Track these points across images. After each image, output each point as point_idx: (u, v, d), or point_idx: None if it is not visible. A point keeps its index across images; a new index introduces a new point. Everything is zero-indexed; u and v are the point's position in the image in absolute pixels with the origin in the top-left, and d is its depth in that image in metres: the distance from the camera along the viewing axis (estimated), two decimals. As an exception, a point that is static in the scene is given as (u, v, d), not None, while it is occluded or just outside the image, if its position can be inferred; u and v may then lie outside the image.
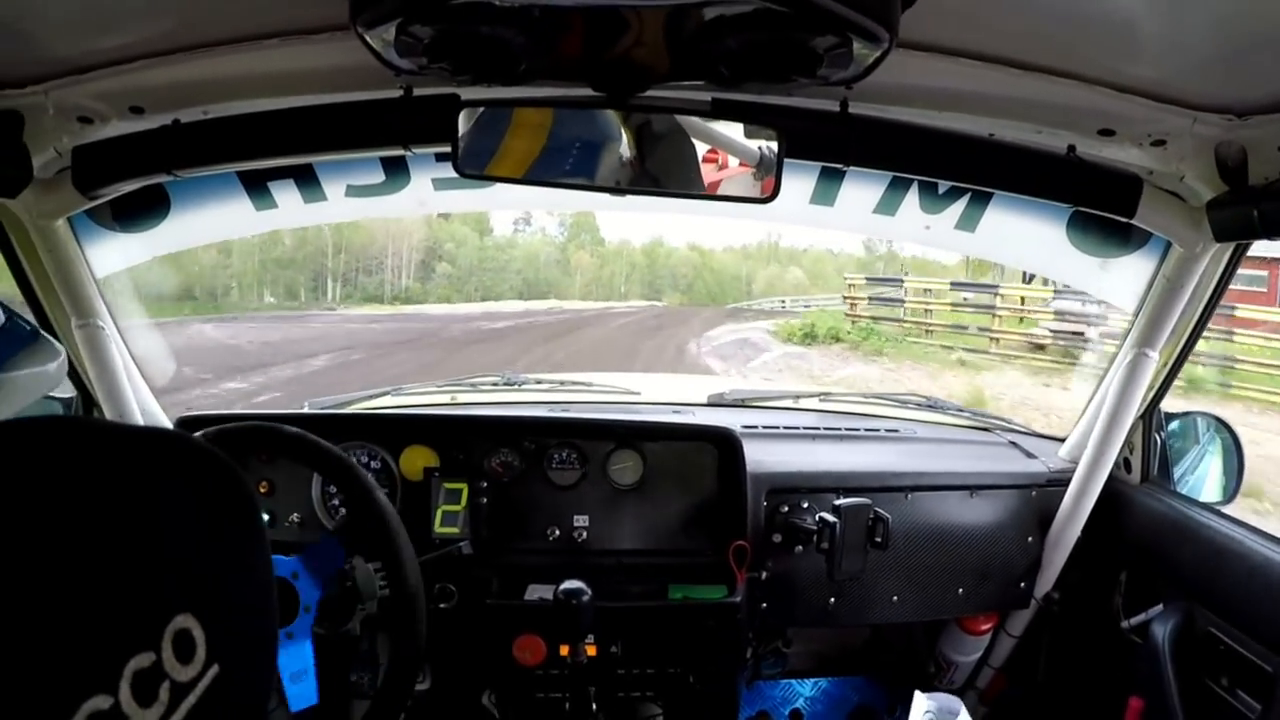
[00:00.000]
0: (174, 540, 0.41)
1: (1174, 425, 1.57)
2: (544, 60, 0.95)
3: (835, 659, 2.02)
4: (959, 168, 1.22)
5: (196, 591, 0.42)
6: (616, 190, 1.20)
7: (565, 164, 1.16)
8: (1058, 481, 1.62)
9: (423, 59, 0.89)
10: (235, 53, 1.02)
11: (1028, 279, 13.91)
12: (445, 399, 1.82)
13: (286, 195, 1.51)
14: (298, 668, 1.06)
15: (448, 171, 1.31)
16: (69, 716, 0.35)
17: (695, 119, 1.14)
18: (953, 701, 1.50)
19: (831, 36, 0.81)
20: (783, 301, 27.21)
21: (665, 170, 1.20)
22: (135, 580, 0.39)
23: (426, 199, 1.58)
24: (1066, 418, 2.86)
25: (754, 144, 1.20)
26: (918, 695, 1.50)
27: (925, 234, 1.55)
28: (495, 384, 1.88)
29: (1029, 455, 1.72)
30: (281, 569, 1.07)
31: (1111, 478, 1.56)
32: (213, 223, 1.54)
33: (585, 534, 1.49)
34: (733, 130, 1.19)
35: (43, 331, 0.59)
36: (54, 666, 0.35)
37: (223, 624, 0.43)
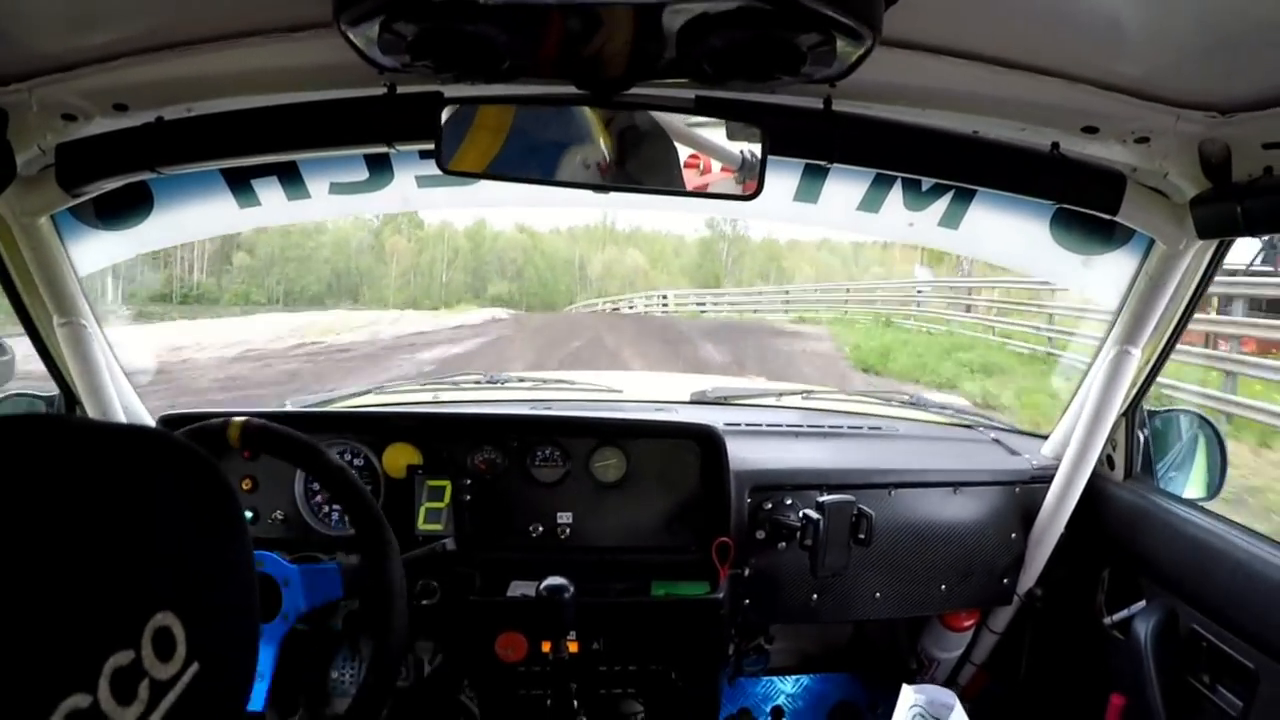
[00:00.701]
0: (155, 538, 0.41)
1: (1157, 422, 1.58)
2: (527, 58, 0.95)
3: (818, 656, 2.02)
4: (942, 165, 1.23)
5: (177, 589, 0.42)
6: (600, 187, 1.20)
7: (548, 161, 1.16)
8: (1041, 478, 1.62)
9: (406, 56, 0.89)
10: (219, 50, 1.02)
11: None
12: (428, 397, 1.82)
13: (270, 192, 1.52)
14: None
15: (432, 169, 1.32)
16: (48, 715, 0.35)
17: (678, 120, 1.15)
18: (944, 694, 1.48)
19: (815, 34, 0.81)
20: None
21: (646, 167, 1.20)
22: (115, 578, 0.39)
23: (411, 196, 1.58)
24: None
25: (736, 147, 1.19)
26: (905, 689, 1.49)
27: (909, 231, 1.56)
28: (478, 382, 1.88)
29: (1012, 452, 1.72)
30: (274, 571, 1.07)
31: (1094, 475, 1.56)
32: (197, 220, 1.54)
33: (568, 531, 1.50)
34: (715, 133, 1.19)
35: None
36: (33, 665, 0.35)
37: (203, 622, 0.43)
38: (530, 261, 38.38)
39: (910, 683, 1.56)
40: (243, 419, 1.05)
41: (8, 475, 0.37)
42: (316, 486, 1.48)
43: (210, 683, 0.43)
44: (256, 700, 1.05)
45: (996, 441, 1.78)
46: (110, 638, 0.38)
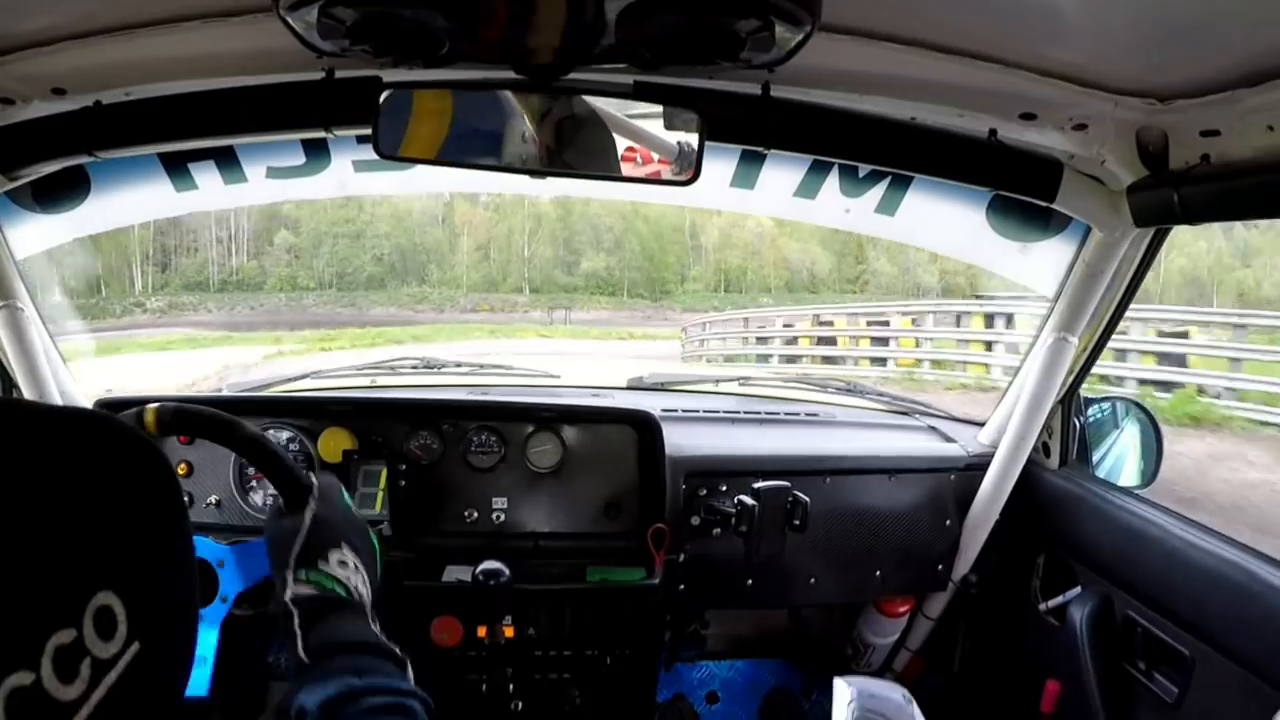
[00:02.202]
0: (95, 518, 0.41)
1: (1093, 410, 1.58)
2: (466, 42, 0.94)
3: (754, 641, 2.03)
4: (879, 151, 1.23)
5: (118, 569, 0.42)
6: (535, 172, 1.20)
7: (484, 146, 1.16)
8: (976, 466, 1.63)
9: (345, 41, 0.88)
10: (158, 34, 1.01)
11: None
12: (365, 381, 1.81)
13: (207, 177, 1.50)
14: (198, 654, 1.06)
15: (369, 154, 1.31)
16: None
17: (616, 106, 1.14)
18: (891, 689, 1.39)
19: (754, 19, 0.81)
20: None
21: (584, 153, 1.19)
22: (57, 557, 0.38)
23: (347, 181, 1.57)
24: None
25: (673, 138, 1.19)
26: (838, 682, 1.39)
27: (845, 217, 1.55)
28: (415, 367, 1.87)
29: (948, 439, 1.73)
30: (208, 554, 1.07)
31: (1030, 462, 1.57)
32: (133, 204, 1.53)
33: (503, 516, 1.50)
34: (653, 125, 1.19)
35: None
36: None
37: (144, 602, 0.43)
38: (631, 229, 31.98)
39: (845, 669, 1.56)
40: (157, 404, 1.05)
41: None
42: (251, 471, 1.48)
43: (151, 662, 0.43)
44: (200, 685, 1.03)
45: (933, 429, 1.79)
46: (52, 616, 0.38)
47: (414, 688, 0.76)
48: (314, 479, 0.89)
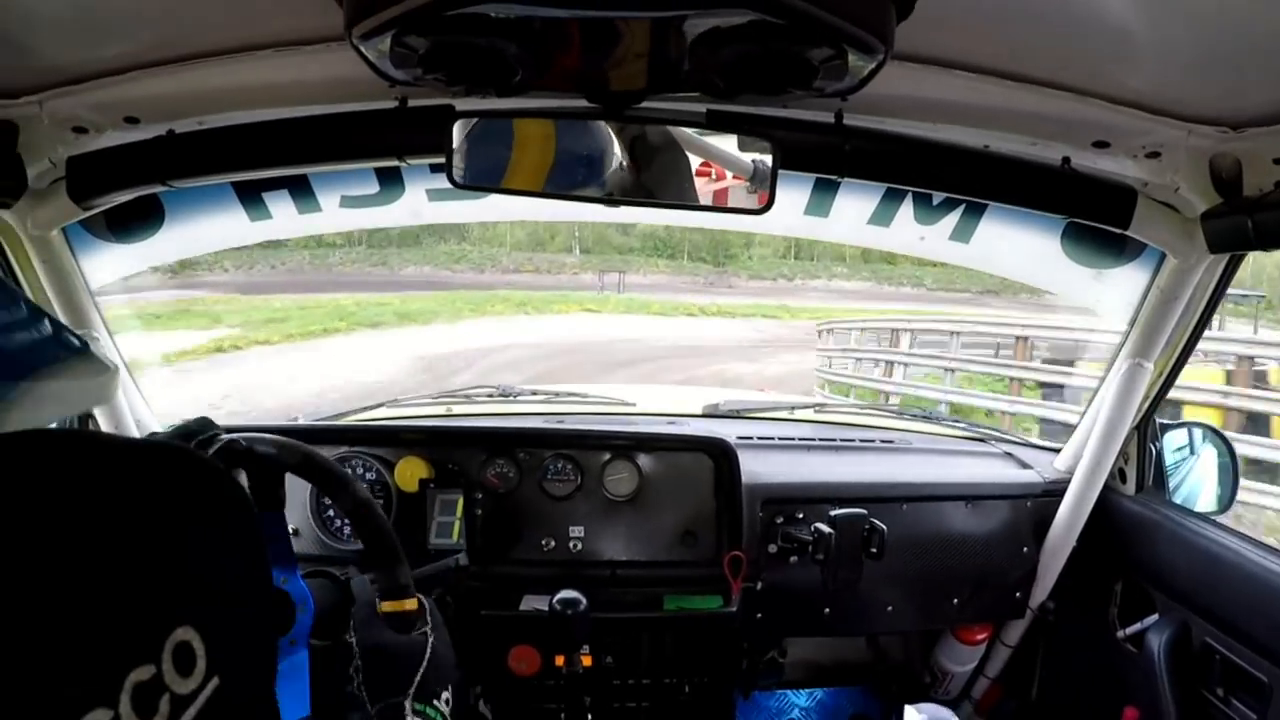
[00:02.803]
0: (174, 553, 0.42)
1: (1169, 435, 1.57)
2: (539, 71, 0.95)
3: (831, 669, 2.01)
4: (953, 179, 1.23)
5: (196, 604, 0.42)
6: (610, 201, 1.20)
7: (561, 175, 1.16)
8: (1053, 492, 1.62)
9: (418, 70, 0.89)
10: (230, 63, 1.02)
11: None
12: (440, 410, 1.81)
13: (281, 206, 1.52)
14: (291, 676, 1.05)
15: (443, 182, 1.32)
16: None
17: (690, 134, 1.14)
18: (943, 712, 1.45)
19: (827, 48, 0.81)
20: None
21: (659, 180, 1.20)
22: (136, 593, 0.39)
23: (421, 209, 1.58)
24: None
25: (748, 156, 1.19)
26: (908, 710, 1.47)
27: (920, 245, 1.55)
28: (490, 395, 1.88)
29: (1024, 465, 1.72)
30: (287, 584, 1.07)
31: (1107, 488, 1.56)
32: (207, 233, 1.54)
33: (580, 545, 1.50)
34: (727, 143, 1.19)
35: (95, 348, 0.59)
36: (56, 679, 0.35)
37: (222, 636, 0.43)
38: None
39: (924, 696, 1.55)
40: (278, 442, 1.05)
41: (28, 489, 0.38)
42: (327, 501, 1.47)
43: (230, 697, 0.44)
44: (301, 708, 1.02)
45: (1009, 455, 1.78)
46: (132, 653, 0.38)
47: None
48: (423, 600, 0.95)
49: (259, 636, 0.49)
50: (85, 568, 0.37)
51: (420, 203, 1.56)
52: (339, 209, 1.55)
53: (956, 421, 1.97)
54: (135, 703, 0.37)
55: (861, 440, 1.82)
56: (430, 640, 0.93)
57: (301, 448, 1.05)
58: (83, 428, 1.47)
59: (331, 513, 1.48)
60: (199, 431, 0.91)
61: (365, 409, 1.77)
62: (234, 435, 1.05)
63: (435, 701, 0.88)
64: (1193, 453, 1.58)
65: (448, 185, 1.12)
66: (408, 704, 0.88)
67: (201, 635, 0.42)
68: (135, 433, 1.49)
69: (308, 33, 0.98)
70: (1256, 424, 6.23)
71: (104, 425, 1.46)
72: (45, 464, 0.39)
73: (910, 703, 1.46)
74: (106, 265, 1.49)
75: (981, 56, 0.98)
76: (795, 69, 0.86)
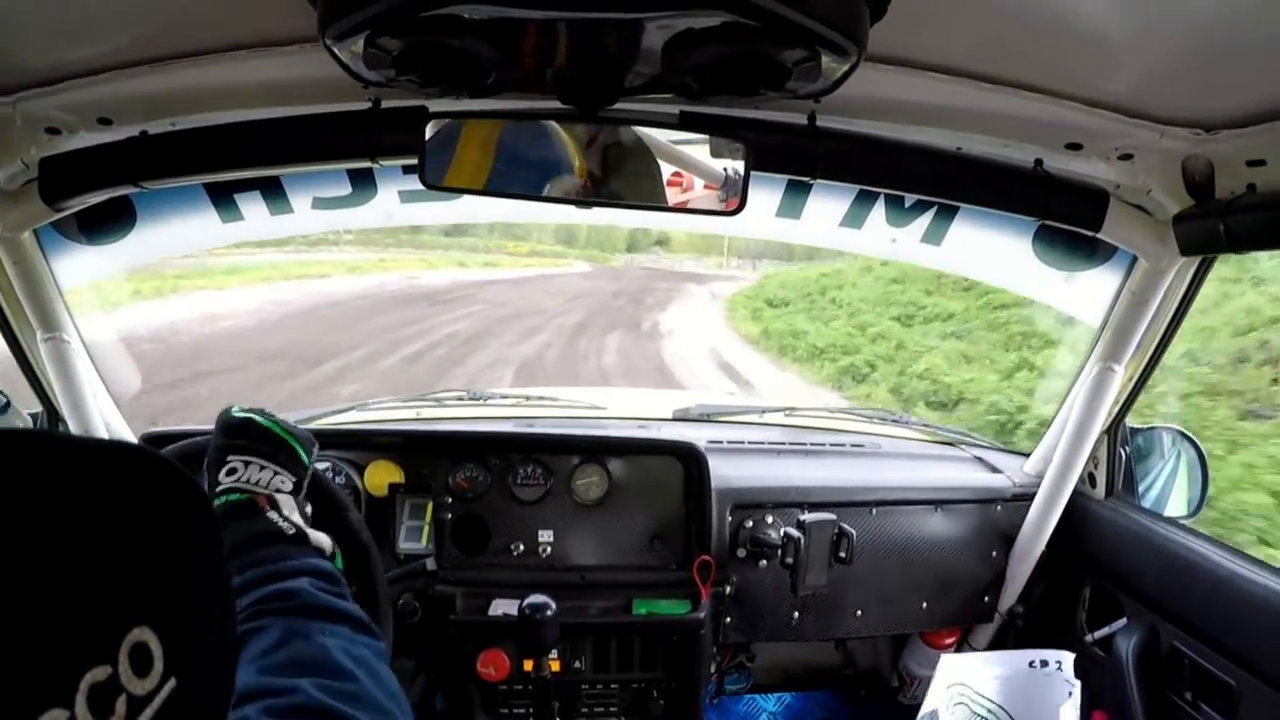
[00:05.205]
0: (130, 553, 0.41)
1: (1139, 440, 1.57)
2: (513, 73, 0.95)
3: (800, 674, 2.02)
4: (926, 181, 1.23)
5: (154, 605, 0.41)
6: (581, 203, 1.20)
7: (531, 177, 1.16)
8: (1022, 496, 1.62)
9: (391, 71, 0.89)
10: (204, 64, 1.02)
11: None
12: (410, 414, 1.81)
13: (253, 207, 1.51)
14: None
15: (415, 184, 1.31)
16: None
17: (662, 136, 1.14)
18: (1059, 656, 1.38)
19: (800, 50, 0.81)
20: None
21: (630, 182, 1.19)
22: (92, 593, 0.38)
23: (393, 211, 1.57)
24: None
25: (720, 162, 1.19)
26: (944, 659, 1.43)
27: (891, 247, 1.55)
28: (460, 399, 1.88)
29: (994, 470, 1.72)
30: None
31: (1076, 492, 1.56)
32: (179, 235, 1.53)
33: (549, 549, 1.49)
34: (699, 149, 1.18)
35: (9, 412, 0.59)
36: (10, 680, 0.34)
37: (180, 637, 0.42)
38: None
39: (892, 700, 1.54)
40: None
41: None
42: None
43: (188, 698, 0.43)
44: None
45: (978, 459, 1.78)
46: (87, 653, 0.37)
47: (308, 564, 0.80)
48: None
49: (219, 639, 0.49)
50: (39, 567, 0.36)
51: (392, 204, 1.56)
52: (311, 210, 1.54)
53: (926, 425, 1.97)
54: (91, 703, 0.37)
55: (831, 444, 1.82)
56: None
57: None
58: (49, 429, 1.47)
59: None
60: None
61: (335, 412, 1.76)
62: (197, 440, 1.06)
63: (217, 489, 0.88)
64: (1162, 457, 1.58)
65: (420, 187, 1.12)
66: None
67: (159, 636, 0.41)
68: (103, 435, 1.49)
69: (281, 34, 0.98)
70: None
71: (72, 426, 1.46)
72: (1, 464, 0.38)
73: (877, 707, 1.46)
74: (77, 266, 1.49)
75: (955, 58, 0.98)
76: (768, 71, 0.86)
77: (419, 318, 12.84)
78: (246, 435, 0.92)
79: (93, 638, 0.38)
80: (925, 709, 1.43)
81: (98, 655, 0.38)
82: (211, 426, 0.94)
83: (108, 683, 0.38)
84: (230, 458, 0.89)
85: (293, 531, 0.85)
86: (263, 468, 0.90)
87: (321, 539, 0.88)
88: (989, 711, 1.38)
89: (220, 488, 0.88)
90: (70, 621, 0.37)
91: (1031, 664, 1.38)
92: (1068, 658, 1.36)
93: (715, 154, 1.17)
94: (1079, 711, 1.33)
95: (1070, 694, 1.33)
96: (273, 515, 0.86)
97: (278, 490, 0.89)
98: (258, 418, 0.94)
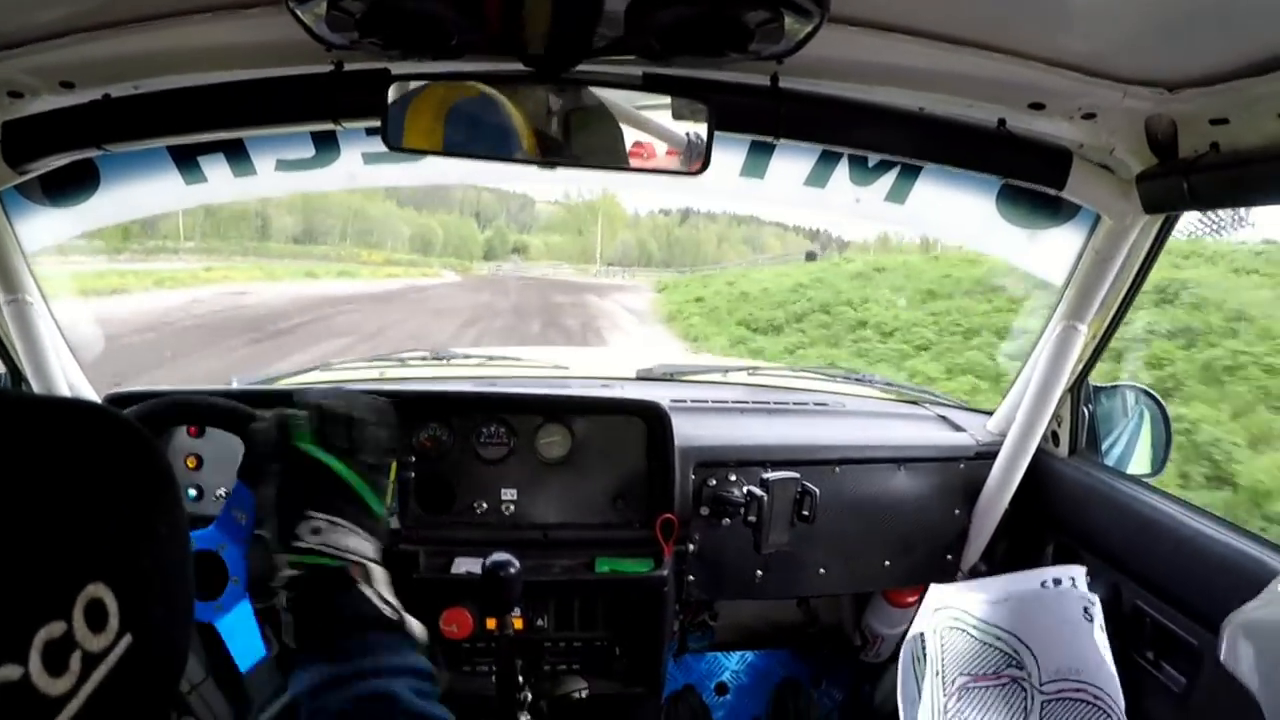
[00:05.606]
0: (85, 510, 0.41)
1: (1102, 398, 1.57)
2: (475, 35, 0.95)
3: (763, 632, 2.03)
4: (889, 141, 1.24)
5: (109, 561, 0.42)
6: (543, 163, 1.20)
7: (493, 138, 1.15)
8: (985, 454, 1.62)
9: (354, 34, 0.89)
10: (167, 27, 1.01)
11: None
12: (374, 374, 1.81)
13: (216, 169, 1.50)
14: (239, 629, 1.04)
15: (378, 146, 1.32)
16: None
17: (625, 96, 1.14)
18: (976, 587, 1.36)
19: (763, 11, 0.81)
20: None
21: (593, 143, 1.19)
22: (45, 549, 0.38)
23: (357, 173, 1.57)
24: None
25: (683, 123, 1.19)
26: (933, 588, 1.41)
27: (855, 206, 1.55)
28: (424, 359, 1.88)
29: (957, 428, 1.73)
30: (207, 542, 1.07)
31: (1039, 451, 1.57)
32: (142, 197, 1.53)
33: (513, 508, 1.50)
34: (662, 109, 1.19)
35: None
36: None
37: (136, 594, 0.43)
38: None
39: (855, 658, 1.55)
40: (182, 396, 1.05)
41: None
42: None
43: (143, 655, 0.43)
44: (256, 651, 0.99)
45: (942, 418, 1.79)
46: (41, 609, 0.38)
47: (408, 662, 0.73)
48: (252, 429, 0.85)
49: (175, 596, 0.49)
50: None
51: (356, 166, 1.55)
52: (274, 172, 1.53)
53: (889, 384, 1.98)
54: (45, 659, 0.37)
55: (795, 403, 1.82)
56: (264, 486, 0.83)
57: (213, 400, 1.05)
58: (9, 388, 1.48)
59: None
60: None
61: (298, 373, 1.77)
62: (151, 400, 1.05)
63: (296, 544, 0.78)
64: (1126, 415, 1.58)
65: (383, 149, 1.14)
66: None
67: (114, 592, 0.41)
68: (65, 394, 1.50)
69: None
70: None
71: (35, 387, 1.46)
72: None
73: (840, 665, 1.46)
74: (41, 229, 1.49)
75: (918, 19, 0.98)
76: (732, 32, 0.87)
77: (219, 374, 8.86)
78: (320, 484, 0.81)
79: (47, 593, 0.38)
80: (912, 632, 1.41)
81: (52, 611, 0.38)
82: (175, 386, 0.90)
83: (63, 639, 0.38)
84: (313, 513, 0.78)
85: (395, 617, 0.77)
86: (351, 532, 0.80)
87: (415, 626, 0.80)
88: (996, 638, 1.34)
89: (301, 545, 0.78)
90: (23, 577, 0.37)
91: (1044, 584, 1.34)
92: (1080, 571, 1.32)
93: (678, 115, 1.18)
94: (1104, 629, 1.27)
95: (1088, 611, 1.29)
96: (369, 592, 0.77)
97: (369, 559, 0.80)
98: (335, 464, 0.82)
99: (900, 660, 1.43)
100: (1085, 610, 1.29)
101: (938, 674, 1.34)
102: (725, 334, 14.47)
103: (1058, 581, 1.33)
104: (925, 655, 1.38)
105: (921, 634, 1.39)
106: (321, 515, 0.79)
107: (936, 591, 1.43)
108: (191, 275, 18.14)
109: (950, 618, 1.39)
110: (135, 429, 0.47)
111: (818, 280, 16.44)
